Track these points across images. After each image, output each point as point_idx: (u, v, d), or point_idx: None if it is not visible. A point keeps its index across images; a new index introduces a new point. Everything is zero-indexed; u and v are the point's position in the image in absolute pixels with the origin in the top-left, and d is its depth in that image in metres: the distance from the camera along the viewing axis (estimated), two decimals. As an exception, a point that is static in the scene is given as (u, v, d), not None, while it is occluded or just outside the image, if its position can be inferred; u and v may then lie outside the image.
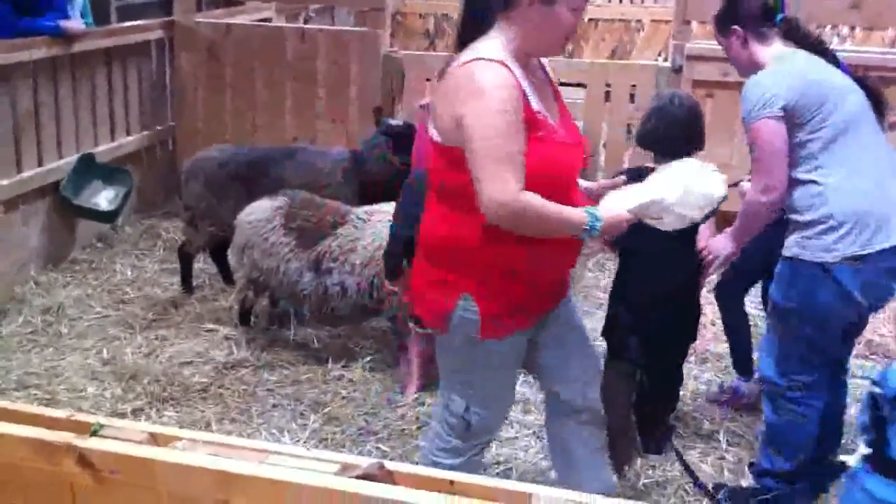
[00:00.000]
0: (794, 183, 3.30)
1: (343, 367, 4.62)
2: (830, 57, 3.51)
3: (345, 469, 1.50)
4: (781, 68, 3.36)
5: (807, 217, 3.29)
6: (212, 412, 4.19)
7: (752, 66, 3.46)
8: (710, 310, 5.26)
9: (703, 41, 7.49)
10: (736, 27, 3.48)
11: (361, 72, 6.80)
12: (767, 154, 3.27)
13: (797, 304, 3.30)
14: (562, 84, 7.05)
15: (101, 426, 1.67)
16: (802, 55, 3.44)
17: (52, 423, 1.71)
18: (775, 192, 3.28)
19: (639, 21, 12.08)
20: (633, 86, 6.62)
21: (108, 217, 6.11)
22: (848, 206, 3.23)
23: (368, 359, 4.67)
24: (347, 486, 1.43)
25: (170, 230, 6.48)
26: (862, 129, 3.33)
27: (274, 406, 4.28)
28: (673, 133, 3.71)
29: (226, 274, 5.62)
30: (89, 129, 6.28)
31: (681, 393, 4.13)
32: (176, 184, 5.82)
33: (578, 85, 6.97)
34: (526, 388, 4.45)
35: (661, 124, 3.74)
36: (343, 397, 4.35)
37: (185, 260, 5.54)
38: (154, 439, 1.66)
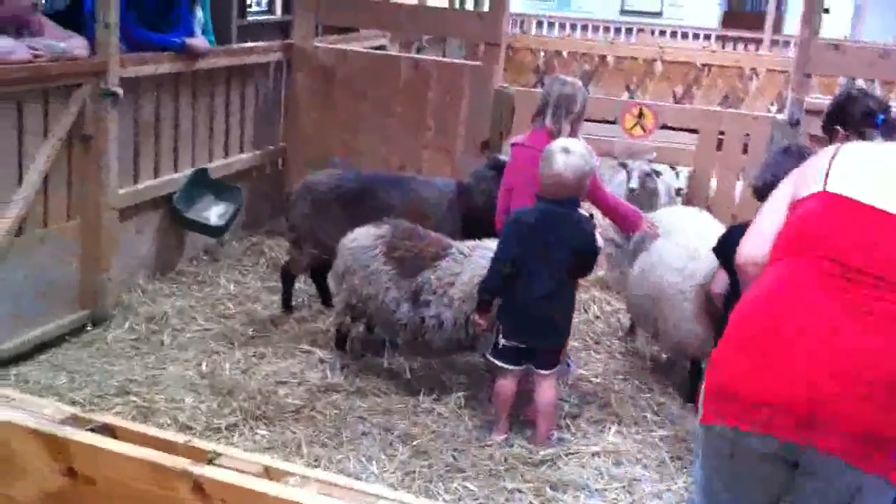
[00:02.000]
0: None
1: (434, 399, 4.61)
2: None
3: (454, 524, 1.49)
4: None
5: None
6: (303, 434, 4.23)
7: None
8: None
9: (822, 96, 7.34)
10: (838, 128, 3.70)
11: (471, 105, 6.84)
12: None
13: None
14: (670, 128, 7.10)
15: (218, 455, 1.70)
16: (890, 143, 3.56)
17: (169, 447, 1.74)
18: None
19: (753, 69, 11.89)
20: (747, 135, 6.50)
21: (217, 232, 6.26)
22: None
23: (460, 394, 4.66)
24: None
25: (273, 248, 6.61)
26: None
27: (364, 434, 4.29)
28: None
29: (325, 296, 5.69)
30: (205, 144, 6.46)
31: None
32: (282, 203, 5.94)
33: (690, 130, 6.91)
34: (618, 438, 4.38)
35: (773, 175, 3.69)
36: (433, 431, 4.34)
37: (288, 279, 5.64)
38: (268, 473, 1.67)
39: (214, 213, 6.29)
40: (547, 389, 4.26)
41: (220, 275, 6.13)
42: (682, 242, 4.75)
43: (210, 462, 1.66)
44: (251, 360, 4.94)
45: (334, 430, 4.29)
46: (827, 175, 2.52)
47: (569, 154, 4.12)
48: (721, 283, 3.81)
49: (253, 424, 4.28)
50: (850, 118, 3.72)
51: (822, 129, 3.90)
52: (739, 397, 2.44)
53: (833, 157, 2.56)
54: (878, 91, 10.09)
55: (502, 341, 4.21)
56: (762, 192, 3.78)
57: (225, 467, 1.65)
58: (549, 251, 4.11)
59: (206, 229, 6.21)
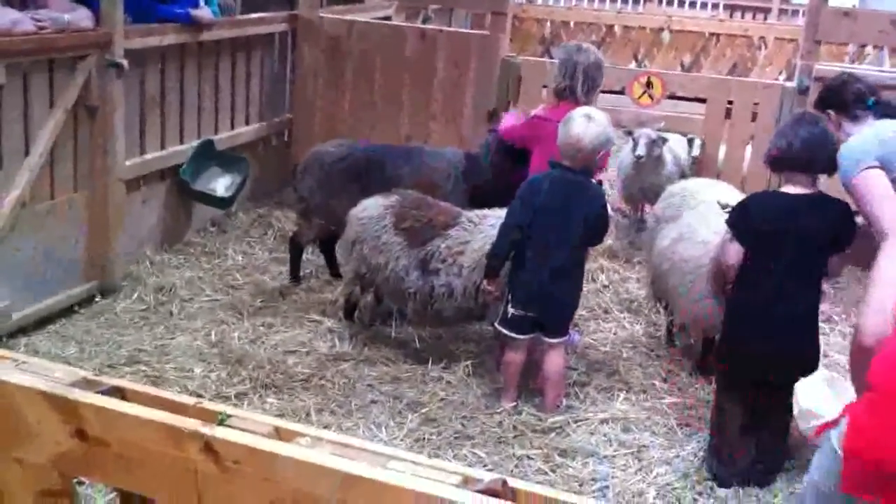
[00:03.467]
0: None
1: (443, 368, 4.62)
2: None
3: (466, 482, 1.49)
4: (866, 131, 3.59)
5: None
6: (312, 402, 4.24)
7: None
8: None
9: (832, 63, 7.29)
10: (830, 111, 3.76)
11: (478, 75, 6.81)
12: (876, 201, 3.30)
13: None
14: (680, 98, 7.07)
15: (228, 416, 1.70)
16: (891, 122, 3.61)
17: (180, 409, 1.75)
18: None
19: (761, 38, 11.80)
20: (756, 104, 6.46)
21: (224, 203, 6.26)
22: None
23: (469, 362, 4.66)
24: (471, 501, 1.42)
25: (281, 220, 6.61)
26: None
27: (373, 402, 4.31)
28: (798, 151, 3.64)
29: (333, 267, 5.69)
30: (211, 116, 6.45)
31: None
32: (289, 175, 5.93)
33: (698, 100, 6.86)
34: (627, 405, 4.39)
35: (787, 143, 3.67)
36: (441, 399, 4.35)
37: (296, 250, 5.64)
38: (278, 433, 1.67)
39: (221, 184, 6.29)
40: (555, 358, 4.27)
41: (227, 246, 6.14)
42: (709, 215, 4.66)
43: (221, 423, 1.67)
44: (260, 329, 4.95)
45: (343, 398, 4.31)
46: None
47: (590, 121, 4.12)
48: (734, 254, 3.74)
49: (262, 393, 4.30)
50: (843, 102, 3.78)
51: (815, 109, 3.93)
52: None
53: None
54: (887, 59, 10.04)
55: (511, 310, 4.20)
56: (777, 161, 3.76)
57: (236, 428, 1.65)
58: (561, 218, 4.11)
59: (213, 200, 6.21)
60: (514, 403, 4.31)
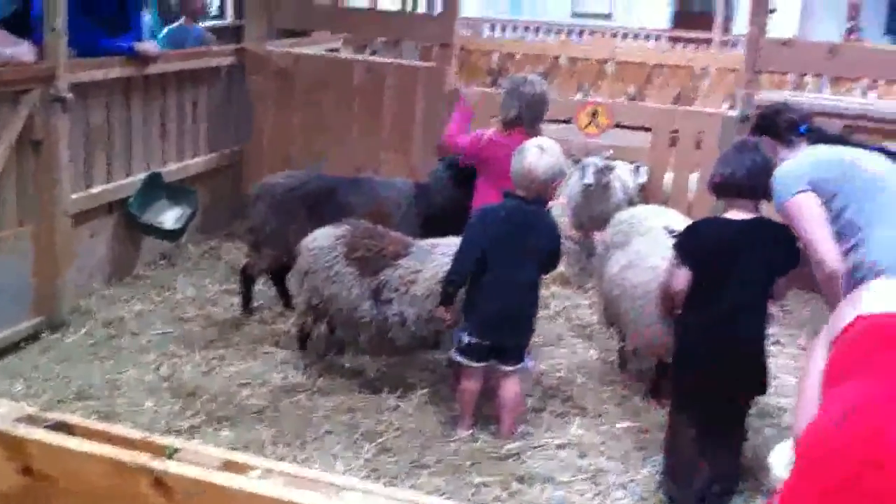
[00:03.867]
0: (845, 253, 3.48)
1: (399, 397, 4.60)
2: (854, 145, 3.83)
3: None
4: (800, 157, 3.71)
5: (858, 274, 3.42)
6: (266, 434, 4.19)
7: None
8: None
9: (772, 92, 7.45)
10: (766, 137, 3.87)
11: (426, 106, 6.86)
12: (809, 224, 3.49)
13: None
14: (626, 127, 7.18)
15: (177, 450, 1.68)
16: (824, 147, 3.75)
17: (128, 443, 1.72)
18: (834, 259, 3.45)
19: (703, 69, 12.03)
20: (700, 132, 6.58)
21: (173, 236, 6.20)
22: (890, 254, 3.40)
23: (424, 391, 4.65)
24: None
25: (232, 251, 6.56)
26: (890, 188, 3.53)
27: (328, 432, 4.27)
28: (741, 178, 3.73)
29: (285, 298, 5.66)
30: (158, 148, 6.40)
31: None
32: (240, 206, 5.90)
33: (644, 129, 6.97)
34: (582, 430, 4.41)
35: (729, 170, 3.75)
36: (397, 428, 4.33)
37: (247, 281, 5.59)
38: (229, 466, 1.65)
39: (170, 216, 6.23)
40: (511, 385, 4.27)
41: (177, 279, 6.07)
42: (657, 241, 4.72)
43: (170, 457, 1.64)
44: (212, 362, 4.89)
45: (298, 429, 4.26)
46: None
47: (543, 152, 4.15)
48: (682, 280, 3.79)
49: (215, 426, 4.24)
50: (776, 129, 3.89)
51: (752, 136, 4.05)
52: None
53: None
54: (827, 88, 10.30)
55: (468, 338, 4.20)
56: (720, 187, 3.83)
57: (186, 462, 1.63)
58: (518, 247, 4.13)
59: (161, 233, 6.15)
60: (471, 431, 4.30)
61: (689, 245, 3.81)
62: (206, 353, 5.00)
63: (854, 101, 8.31)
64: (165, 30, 7.71)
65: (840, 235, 3.50)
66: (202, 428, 4.21)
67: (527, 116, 4.89)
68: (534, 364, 4.95)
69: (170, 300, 5.73)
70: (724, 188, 3.80)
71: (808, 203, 3.50)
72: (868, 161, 3.62)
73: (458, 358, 4.26)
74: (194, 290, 5.93)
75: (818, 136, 3.88)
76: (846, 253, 3.49)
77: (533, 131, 4.83)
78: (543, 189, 4.17)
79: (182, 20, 7.95)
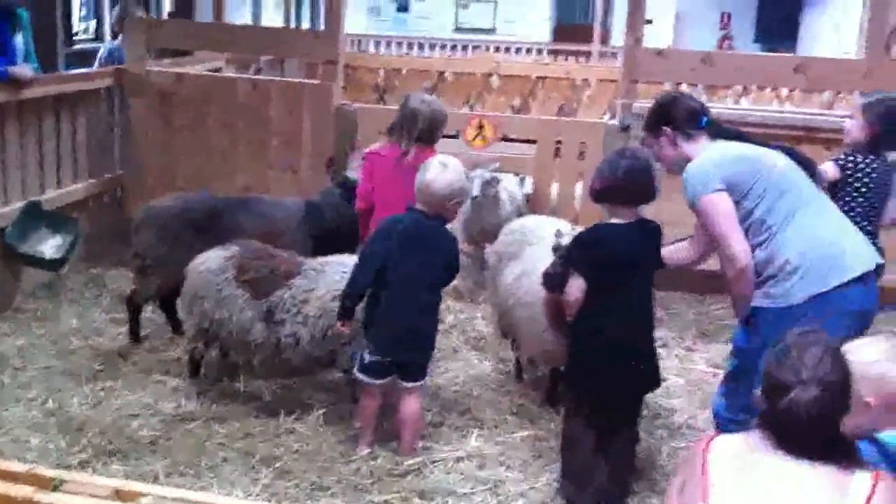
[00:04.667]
0: (753, 249, 3.60)
1: (296, 419, 4.55)
2: (752, 141, 3.90)
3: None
4: (710, 153, 3.74)
5: (768, 271, 3.58)
6: (160, 466, 4.08)
7: (681, 162, 3.84)
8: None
9: (650, 101, 7.68)
10: (666, 128, 3.85)
11: (314, 123, 6.83)
12: (721, 222, 3.60)
13: (760, 345, 3.39)
14: (512, 139, 7.30)
15: (63, 481, 1.63)
16: (725, 142, 3.81)
17: (12, 477, 1.66)
18: (743, 254, 3.59)
19: (584, 80, 12.33)
20: (583, 142, 6.75)
21: (54, 265, 5.99)
22: (802, 252, 3.53)
23: (321, 411, 4.61)
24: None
25: (116, 279, 6.37)
26: (799, 187, 3.67)
27: (224, 460, 4.18)
28: (627, 186, 3.81)
29: (175, 324, 5.53)
30: (36, 175, 6.19)
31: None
32: (124, 232, 5.73)
33: (529, 141, 7.11)
34: (481, 442, 4.44)
35: (610, 176, 3.83)
36: (295, 451, 4.27)
37: (134, 309, 5.45)
38: (118, 495, 1.61)
39: (50, 245, 6.02)
40: (412, 401, 4.26)
41: (61, 309, 5.86)
42: (549, 251, 4.77)
43: (56, 489, 1.59)
44: (100, 394, 4.74)
45: (193, 458, 4.16)
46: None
47: (444, 168, 4.15)
48: (577, 290, 3.84)
49: (106, 460, 4.10)
50: (675, 118, 3.88)
51: (645, 129, 4.03)
52: None
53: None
54: (702, 96, 10.67)
55: (369, 357, 4.19)
56: (601, 193, 3.90)
57: (74, 493, 1.58)
58: (418, 262, 4.10)
59: (42, 263, 5.93)
60: (370, 450, 4.28)
61: (580, 254, 3.88)
62: (94, 385, 4.84)
63: (732, 107, 8.67)
64: (104, 48, 7.55)
65: (750, 231, 3.63)
66: (92, 463, 4.06)
67: (412, 131, 4.93)
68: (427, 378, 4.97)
69: (53, 332, 5.52)
70: (604, 195, 3.88)
71: (722, 202, 3.60)
72: (775, 160, 3.72)
73: (360, 376, 4.23)
74: (79, 320, 5.74)
75: (717, 131, 3.91)
76: (755, 248, 3.62)
77: (402, 143, 4.94)
78: (442, 205, 4.14)
79: (121, 39, 7.77)
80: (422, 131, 4.96)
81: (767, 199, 3.61)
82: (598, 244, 3.85)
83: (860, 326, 3.65)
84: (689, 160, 3.83)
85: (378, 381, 4.22)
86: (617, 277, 3.80)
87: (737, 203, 3.62)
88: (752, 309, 3.68)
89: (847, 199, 4.73)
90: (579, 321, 3.93)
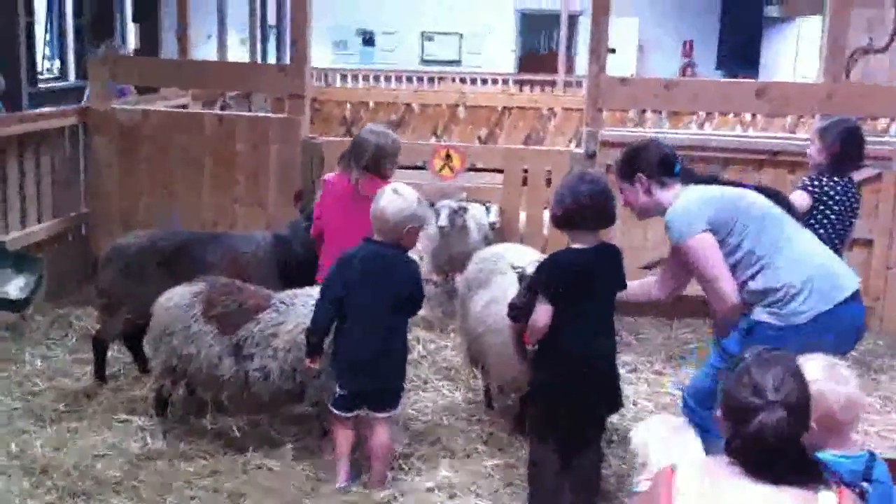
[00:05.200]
0: (746, 282, 3.69)
1: (265, 455, 4.50)
2: (724, 184, 3.98)
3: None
4: (691, 196, 3.80)
5: (769, 298, 3.66)
6: (126, 506, 4.03)
7: (655, 209, 3.92)
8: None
9: (615, 128, 7.77)
10: (640, 175, 3.88)
11: (281, 157, 6.84)
12: (708, 263, 3.67)
13: None
14: (480, 169, 7.35)
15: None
16: (701, 186, 3.88)
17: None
18: (730, 297, 3.68)
19: (550, 109, 12.45)
20: (549, 170, 6.80)
21: (18, 306, 5.90)
22: (802, 276, 3.63)
23: (290, 446, 4.56)
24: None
25: (82, 318, 6.30)
26: (779, 219, 3.76)
27: (191, 499, 4.12)
28: (584, 211, 3.83)
29: (141, 362, 5.46)
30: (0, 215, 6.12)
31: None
32: (89, 271, 5.68)
33: (495, 170, 7.15)
34: (451, 472, 4.42)
35: (571, 202, 3.84)
36: (264, 487, 4.21)
37: (100, 348, 5.38)
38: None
39: (14, 286, 5.92)
40: (382, 432, 4.22)
41: (24, 350, 5.77)
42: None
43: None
44: (64, 435, 4.66)
45: (160, 498, 4.09)
46: None
47: (397, 195, 4.14)
48: (545, 315, 3.83)
49: (70, 502, 4.03)
50: (650, 165, 3.91)
51: (618, 176, 4.02)
52: None
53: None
54: (666, 123, 10.81)
55: (339, 391, 4.16)
56: (563, 220, 3.92)
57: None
58: (376, 293, 4.09)
59: (5, 304, 5.83)
60: (347, 482, 4.21)
61: (549, 280, 3.87)
62: (59, 426, 4.76)
63: (696, 132, 8.78)
64: None
65: (738, 266, 3.70)
66: (57, 505, 4.01)
67: (362, 162, 5.01)
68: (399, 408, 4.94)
69: (17, 373, 5.43)
70: (566, 221, 3.90)
71: (708, 243, 3.68)
72: (752, 197, 3.80)
73: (335, 410, 4.20)
74: (43, 361, 5.66)
75: (689, 176, 3.97)
76: (748, 280, 3.70)
77: (349, 171, 5.03)
78: (397, 232, 4.14)
79: None
80: (368, 161, 5.01)
81: (752, 233, 3.69)
82: (562, 269, 3.85)
83: (857, 341, 3.87)
84: (662, 207, 3.88)
85: (348, 414, 4.19)
86: (580, 301, 3.82)
87: (722, 241, 3.69)
88: (751, 321, 3.71)
89: (816, 222, 4.81)
90: (542, 344, 3.92)
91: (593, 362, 3.86)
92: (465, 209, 6.54)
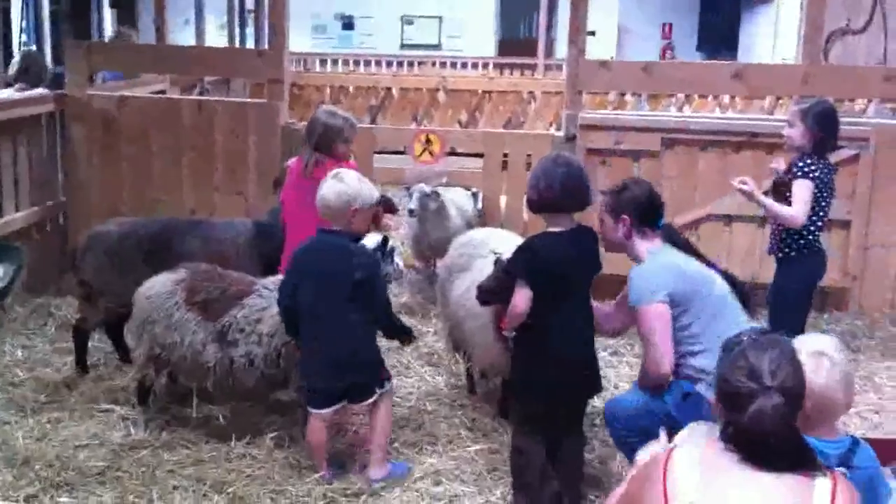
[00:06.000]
0: (685, 355, 3.81)
1: (248, 444, 4.50)
2: (697, 255, 4.01)
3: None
4: (661, 261, 3.86)
5: (705, 377, 3.70)
6: (109, 497, 4.01)
7: (626, 251, 3.96)
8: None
9: (595, 111, 7.78)
10: (627, 217, 3.90)
11: (260, 143, 6.81)
12: (656, 333, 3.75)
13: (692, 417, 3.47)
14: (460, 154, 7.34)
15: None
16: (673, 252, 3.93)
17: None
18: (664, 366, 3.76)
19: (530, 93, 12.44)
20: (529, 154, 6.80)
21: (-3, 295, 5.87)
22: None
23: (273, 434, 4.56)
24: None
25: (62, 308, 6.28)
26: (732, 313, 3.83)
27: (175, 488, 4.11)
28: (559, 192, 3.83)
29: (122, 351, 5.44)
30: (-24, 205, 6.08)
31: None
32: (68, 260, 5.64)
33: (476, 155, 7.14)
34: (435, 458, 4.43)
35: (546, 186, 3.84)
36: (248, 476, 4.22)
37: (81, 338, 5.35)
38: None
39: (-8, 275, 5.90)
40: (378, 410, 4.17)
41: (4, 341, 5.74)
42: None
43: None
44: (45, 426, 4.64)
45: (143, 488, 4.08)
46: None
47: (337, 180, 4.11)
48: (525, 301, 3.80)
49: (53, 493, 4.01)
50: (636, 210, 3.92)
51: (607, 209, 3.98)
52: None
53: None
54: (645, 105, 10.81)
55: (307, 389, 4.16)
56: (538, 204, 3.92)
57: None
58: (324, 284, 4.02)
59: (-17, 294, 5.81)
60: (329, 473, 4.19)
61: (527, 264, 3.85)
62: (40, 417, 4.74)
63: (675, 115, 8.80)
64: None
65: (683, 341, 3.79)
66: (39, 496, 3.98)
67: (317, 143, 5.09)
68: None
69: (-3, 364, 5.42)
70: (542, 205, 3.90)
71: (661, 315, 3.74)
72: (715, 286, 3.86)
73: (310, 409, 4.18)
74: (23, 351, 5.63)
75: (669, 235, 4.03)
76: (688, 355, 3.80)
77: (326, 157, 5.05)
78: (342, 217, 4.06)
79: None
80: (318, 140, 5.08)
81: (704, 320, 3.77)
82: (540, 254, 3.84)
83: None
84: (633, 255, 3.94)
85: (319, 411, 4.15)
86: (559, 286, 3.82)
87: (675, 315, 3.76)
88: (689, 388, 3.79)
89: (816, 206, 4.86)
90: (523, 331, 3.92)
91: (572, 347, 3.88)
92: (437, 193, 6.51)
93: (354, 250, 4.11)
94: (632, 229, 3.91)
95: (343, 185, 4.09)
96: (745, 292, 4.00)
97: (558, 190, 3.81)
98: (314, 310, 4.05)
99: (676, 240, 4.04)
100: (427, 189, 6.43)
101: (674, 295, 3.74)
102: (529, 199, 3.94)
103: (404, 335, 4.48)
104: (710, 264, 3.99)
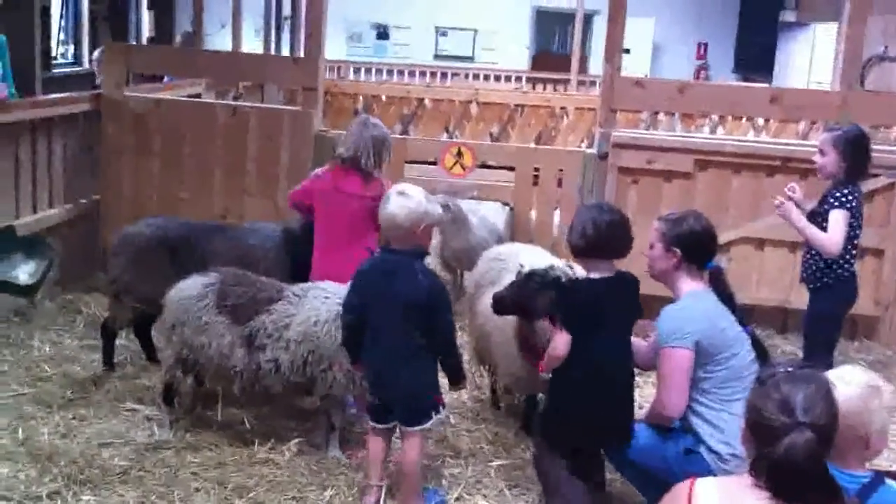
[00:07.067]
0: (693, 405, 3.78)
1: (270, 449, 4.50)
2: (734, 310, 3.93)
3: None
4: (699, 307, 3.80)
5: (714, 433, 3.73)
6: (132, 496, 4.03)
7: (669, 284, 3.92)
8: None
9: (628, 130, 7.75)
10: (679, 251, 3.84)
11: (292, 149, 6.83)
12: (675, 376, 3.72)
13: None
14: (490, 167, 7.32)
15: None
16: (713, 300, 3.87)
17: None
18: (675, 410, 3.74)
19: (563, 108, 12.41)
20: (561, 170, 6.78)
21: (28, 291, 5.92)
22: (723, 441, 3.69)
23: (296, 440, 4.57)
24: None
25: (91, 305, 6.32)
26: (742, 382, 3.69)
27: (197, 490, 4.13)
28: (609, 242, 3.87)
29: (149, 351, 5.48)
30: (10, 200, 6.14)
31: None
32: (99, 258, 5.68)
33: (508, 168, 7.14)
34: (457, 470, 4.41)
35: (594, 234, 3.85)
36: (269, 481, 4.22)
37: (109, 336, 5.39)
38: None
39: (24, 271, 5.93)
40: (409, 448, 4.01)
41: (33, 336, 5.79)
42: None
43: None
44: (71, 423, 4.68)
45: (165, 489, 4.11)
46: None
47: (404, 197, 3.94)
48: (564, 345, 3.81)
49: (76, 490, 4.04)
50: (694, 251, 3.87)
51: (662, 241, 3.89)
52: None
53: None
54: (679, 124, 10.76)
55: (369, 398, 4.12)
56: (583, 250, 3.91)
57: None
58: (385, 302, 3.91)
59: (15, 289, 5.84)
60: (376, 499, 4.05)
61: (568, 309, 3.84)
62: (65, 413, 4.78)
63: (709, 136, 8.74)
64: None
65: (694, 389, 3.76)
66: (62, 493, 4.00)
67: (364, 158, 4.98)
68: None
69: (25, 359, 5.45)
70: (585, 251, 3.91)
71: (683, 362, 3.70)
72: (742, 349, 3.80)
73: (367, 418, 4.16)
74: (51, 347, 5.67)
75: (716, 278, 3.97)
76: (697, 405, 3.76)
77: (369, 171, 5.01)
78: (409, 236, 3.94)
79: None
80: (371, 159, 5.01)
81: (718, 379, 3.73)
82: (582, 299, 3.86)
83: None
84: (674, 288, 3.89)
85: (381, 426, 4.07)
86: (599, 331, 3.81)
87: (695, 364, 3.72)
88: (695, 444, 3.75)
89: (852, 234, 4.83)
90: (560, 372, 3.90)
91: (608, 393, 3.86)
92: (457, 205, 6.47)
93: (421, 273, 3.95)
94: (681, 262, 3.85)
95: (414, 203, 3.92)
96: (764, 351, 3.98)
97: (604, 237, 3.83)
98: (378, 325, 3.95)
99: (721, 287, 3.96)
100: (444, 199, 6.41)
101: (700, 344, 3.70)
102: (576, 245, 3.92)
103: (456, 377, 4.17)
104: (741, 322, 3.92)
